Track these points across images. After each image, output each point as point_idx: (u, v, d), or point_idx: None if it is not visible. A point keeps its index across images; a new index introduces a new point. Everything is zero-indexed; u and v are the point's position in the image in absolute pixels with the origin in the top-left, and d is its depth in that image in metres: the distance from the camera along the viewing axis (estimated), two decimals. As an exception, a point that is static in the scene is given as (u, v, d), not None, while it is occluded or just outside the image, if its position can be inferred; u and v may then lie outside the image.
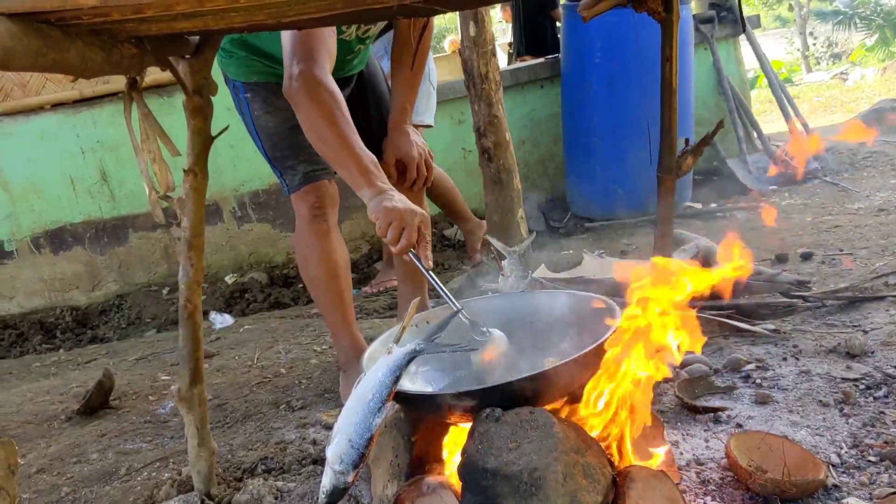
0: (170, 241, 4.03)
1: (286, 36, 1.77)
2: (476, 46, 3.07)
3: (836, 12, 17.43)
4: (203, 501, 1.59)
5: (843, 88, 10.78)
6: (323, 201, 2.02)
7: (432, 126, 3.45)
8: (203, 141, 1.44)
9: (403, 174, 2.13)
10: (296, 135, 1.90)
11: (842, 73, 13.05)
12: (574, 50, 4.14)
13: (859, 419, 1.56)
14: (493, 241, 2.72)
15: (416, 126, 2.59)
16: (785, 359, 1.92)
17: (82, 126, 3.89)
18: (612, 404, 1.35)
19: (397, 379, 1.26)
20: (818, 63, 17.39)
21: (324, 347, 2.72)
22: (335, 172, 1.90)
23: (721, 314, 2.16)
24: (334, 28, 1.83)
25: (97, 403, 2.43)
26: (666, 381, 1.83)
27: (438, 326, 1.43)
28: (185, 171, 1.45)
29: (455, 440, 1.41)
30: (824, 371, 1.81)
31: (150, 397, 2.53)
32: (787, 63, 15.82)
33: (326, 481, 1.20)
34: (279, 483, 1.64)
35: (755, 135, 4.77)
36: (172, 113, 3.30)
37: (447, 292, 1.55)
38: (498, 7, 7.94)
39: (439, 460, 1.42)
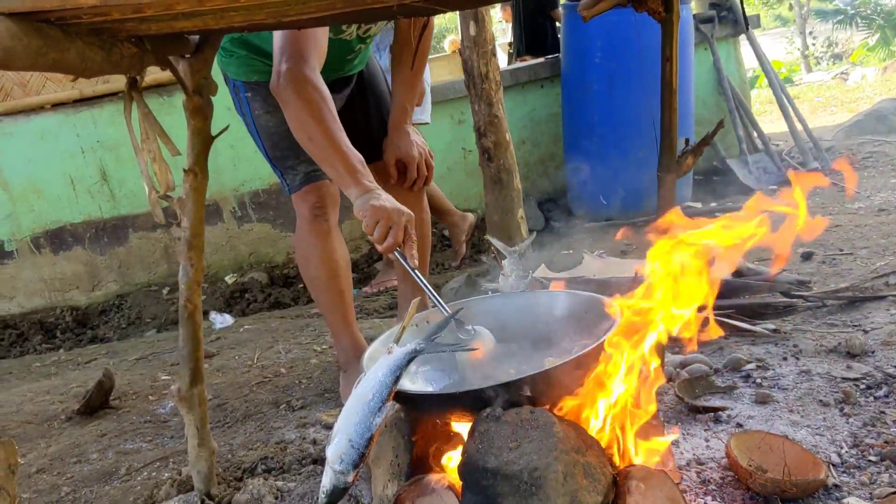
0: (170, 240, 4.03)
1: (277, 33, 1.77)
2: (476, 46, 3.07)
3: (836, 11, 17.42)
4: (203, 501, 1.59)
5: (844, 88, 10.77)
6: (324, 201, 2.02)
7: (428, 122, 3.47)
8: (203, 141, 1.44)
9: (404, 174, 2.13)
10: (296, 135, 1.90)
11: (842, 73, 13.04)
12: (574, 50, 4.14)
13: (860, 419, 1.56)
14: (494, 241, 2.72)
15: (414, 124, 2.60)
16: (785, 358, 1.92)
17: (82, 126, 3.89)
18: (612, 403, 1.35)
19: (397, 379, 1.26)
20: (818, 63, 17.38)
21: (324, 347, 2.72)
22: None
23: (721, 314, 2.16)
24: (326, 27, 1.83)
25: (97, 403, 2.43)
26: (667, 381, 1.84)
27: (438, 326, 1.43)
28: (185, 170, 1.45)
29: (455, 440, 1.41)
30: (825, 371, 1.81)
31: (150, 397, 2.53)
32: (787, 63, 15.80)
33: (326, 481, 1.20)
34: (279, 483, 1.64)
35: (755, 135, 4.77)
36: (172, 113, 3.30)
37: (432, 291, 1.57)
38: (498, 7, 7.94)
39: (439, 460, 1.41)
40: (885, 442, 1.45)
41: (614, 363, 1.33)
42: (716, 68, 4.73)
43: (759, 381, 1.82)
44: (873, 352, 1.87)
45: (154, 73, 3.28)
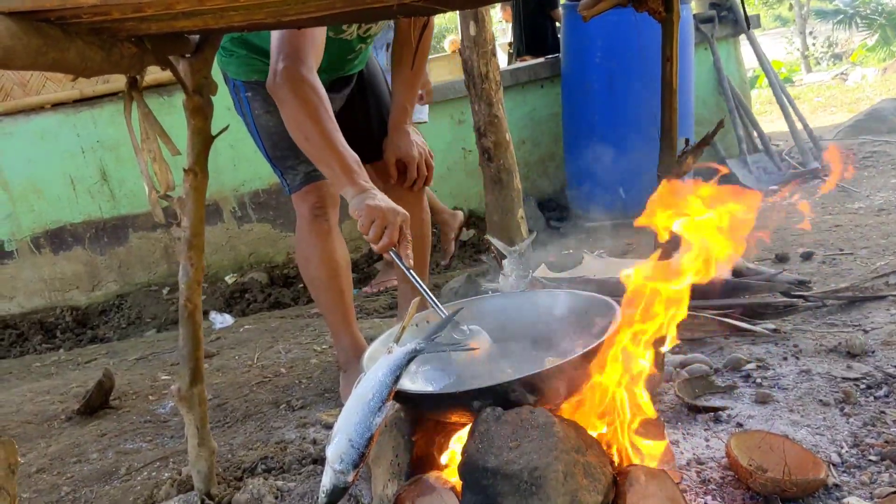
0: (170, 240, 4.04)
1: (275, 32, 1.77)
2: (476, 46, 3.06)
3: (836, 11, 17.41)
4: (203, 501, 1.59)
5: (844, 88, 10.77)
6: (324, 201, 2.02)
7: (426, 122, 3.48)
8: (203, 140, 1.44)
9: (404, 174, 2.13)
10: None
11: (842, 73, 13.03)
12: (574, 50, 4.14)
13: (860, 418, 1.56)
14: (494, 241, 2.72)
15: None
16: (785, 358, 1.92)
17: (82, 126, 3.89)
18: (612, 403, 1.35)
19: (397, 378, 1.26)
20: (818, 63, 17.37)
21: (324, 347, 2.72)
22: None
23: (721, 314, 2.16)
24: (324, 27, 1.83)
25: (97, 403, 2.43)
26: (667, 381, 1.84)
27: (438, 326, 1.43)
28: (185, 170, 1.45)
29: (456, 440, 1.41)
30: (825, 370, 1.81)
31: (150, 397, 2.53)
32: (787, 63, 15.79)
33: (326, 481, 1.20)
34: (279, 483, 1.64)
35: (755, 135, 4.77)
36: (172, 112, 3.30)
37: (427, 291, 1.56)
38: (498, 7, 7.94)
39: (439, 460, 1.41)
40: (886, 441, 1.45)
41: (614, 363, 1.33)
42: (716, 68, 4.73)
43: (759, 380, 1.82)
44: (873, 352, 1.87)
45: (154, 73, 3.28)
